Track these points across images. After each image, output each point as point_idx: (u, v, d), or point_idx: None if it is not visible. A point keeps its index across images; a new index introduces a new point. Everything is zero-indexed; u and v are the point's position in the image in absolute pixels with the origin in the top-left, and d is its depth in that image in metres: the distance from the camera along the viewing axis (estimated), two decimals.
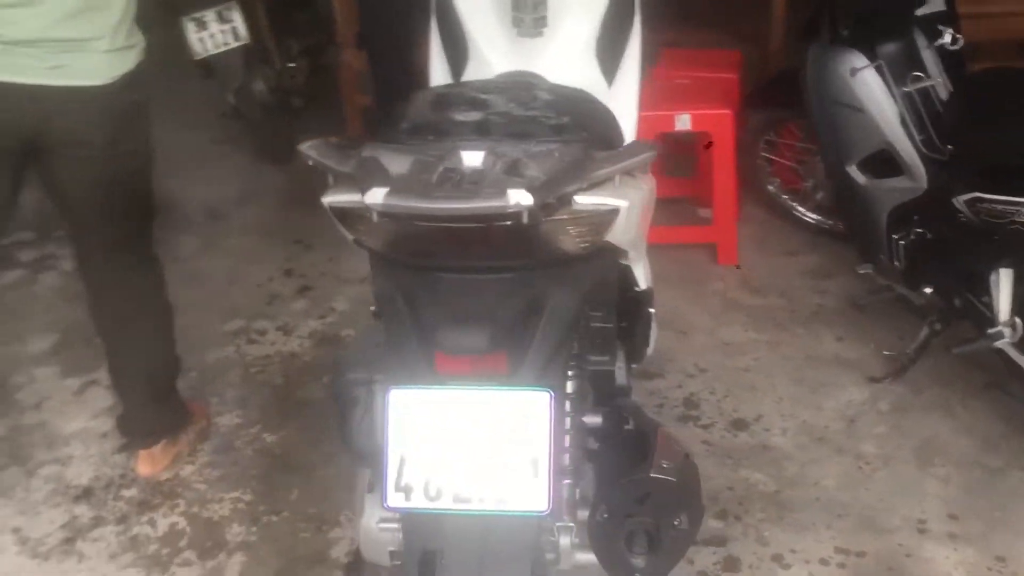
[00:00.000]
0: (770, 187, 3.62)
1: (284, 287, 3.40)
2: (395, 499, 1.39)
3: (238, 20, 3.99)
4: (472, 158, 1.32)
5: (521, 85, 1.76)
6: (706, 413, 2.72)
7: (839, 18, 2.77)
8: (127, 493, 2.48)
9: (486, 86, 1.73)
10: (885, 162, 2.76)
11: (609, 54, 2.61)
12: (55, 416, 2.78)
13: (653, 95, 3.39)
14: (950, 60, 2.73)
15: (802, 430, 2.65)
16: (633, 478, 1.56)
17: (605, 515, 1.53)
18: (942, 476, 2.47)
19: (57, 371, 2.96)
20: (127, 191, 2.27)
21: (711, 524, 2.33)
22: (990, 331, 2.33)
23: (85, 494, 2.48)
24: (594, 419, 1.84)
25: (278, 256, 3.59)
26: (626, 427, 1.84)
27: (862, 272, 2.89)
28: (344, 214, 1.35)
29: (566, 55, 2.54)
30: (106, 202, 2.24)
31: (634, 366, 2.19)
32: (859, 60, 2.73)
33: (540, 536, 1.44)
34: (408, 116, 1.50)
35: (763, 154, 3.54)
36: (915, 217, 2.68)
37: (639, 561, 1.50)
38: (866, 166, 2.81)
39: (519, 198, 1.19)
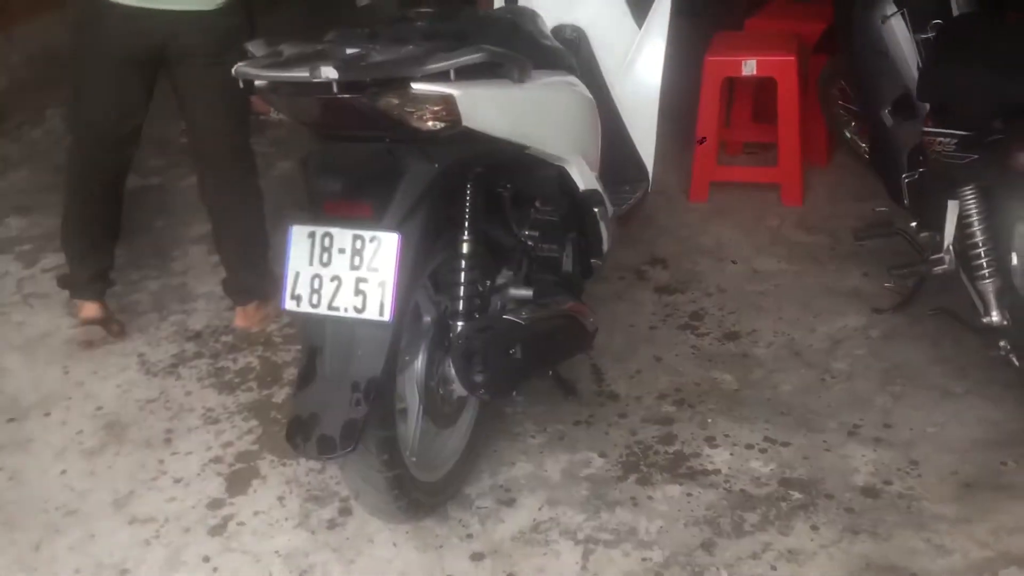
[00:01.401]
0: (847, 133, 3.77)
1: None
2: (290, 304, 1.91)
3: None
4: (349, 52, 1.80)
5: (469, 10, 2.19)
6: (706, 325, 3.04)
7: None
8: (224, 339, 3.17)
9: (439, 12, 2.17)
10: (911, 107, 2.92)
11: (638, 1, 2.96)
12: (193, 280, 3.53)
13: (731, 41, 3.70)
14: (986, 7, 2.84)
15: (785, 345, 2.91)
16: (486, 315, 1.99)
17: (460, 342, 1.98)
18: (896, 393, 2.66)
19: (204, 249, 3.71)
20: (227, 94, 2.90)
21: (665, 408, 2.68)
22: (932, 257, 2.50)
23: (195, 336, 3.20)
24: (523, 291, 2.28)
25: None
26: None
27: (878, 211, 3.06)
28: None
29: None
30: (210, 102, 2.89)
31: (595, 261, 2.59)
32: (889, 7, 2.90)
33: (392, 341, 1.90)
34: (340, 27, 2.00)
35: (840, 102, 3.71)
36: (920, 158, 2.84)
37: (478, 377, 1.95)
38: (896, 110, 2.98)
39: (327, 72, 1.66)
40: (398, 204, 1.87)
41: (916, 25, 2.81)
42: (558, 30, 3.00)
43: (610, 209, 2.58)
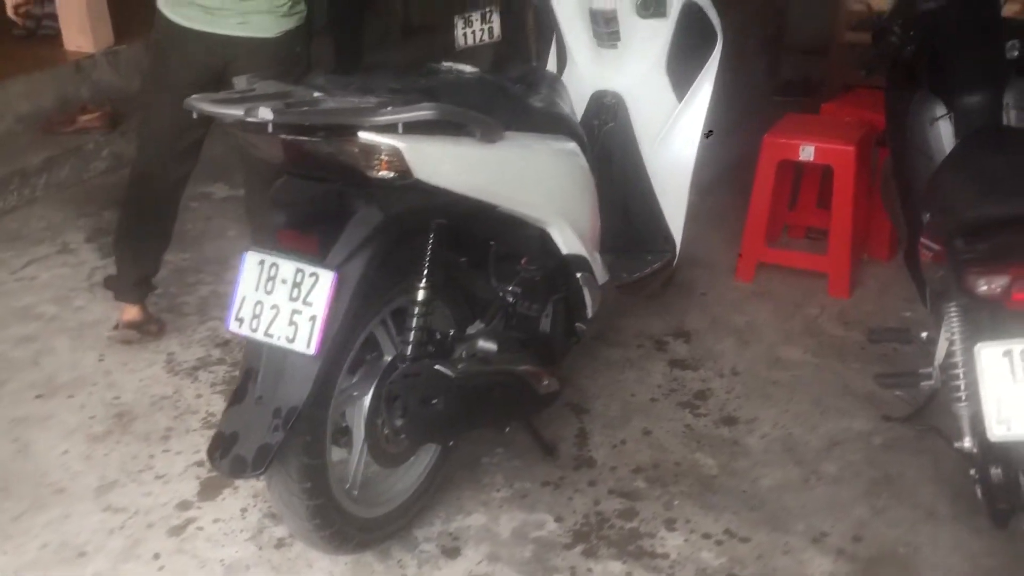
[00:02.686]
0: None
1: None
2: (233, 325, 2.01)
3: (496, 22, 4.83)
4: (315, 96, 1.91)
5: (454, 71, 2.26)
6: (708, 405, 2.98)
7: (927, 66, 2.85)
8: None
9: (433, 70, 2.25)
10: None
11: (680, 73, 2.99)
12: None
13: (796, 124, 3.64)
14: None
15: (781, 439, 2.82)
16: (418, 363, 2.05)
17: (389, 384, 2.04)
18: (878, 507, 2.55)
19: None
20: None
21: (636, 484, 2.65)
22: (921, 371, 2.38)
23: (224, 343, 3.36)
24: (488, 345, 2.33)
25: None
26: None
27: (903, 315, 2.94)
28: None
29: (637, 68, 2.99)
30: None
31: (580, 326, 2.60)
32: (939, 109, 2.79)
33: (319, 374, 1.97)
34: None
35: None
36: None
37: (397, 421, 1.99)
38: None
39: (263, 114, 1.75)
40: (342, 244, 1.94)
41: (960, 131, 2.70)
42: (599, 95, 3.05)
43: (600, 276, 2.58)
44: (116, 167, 4.92)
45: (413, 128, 1.89)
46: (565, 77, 3.13)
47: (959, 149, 2.40)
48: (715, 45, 3.00)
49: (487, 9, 4.71)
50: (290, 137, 1.83)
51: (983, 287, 1.88)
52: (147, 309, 3.37)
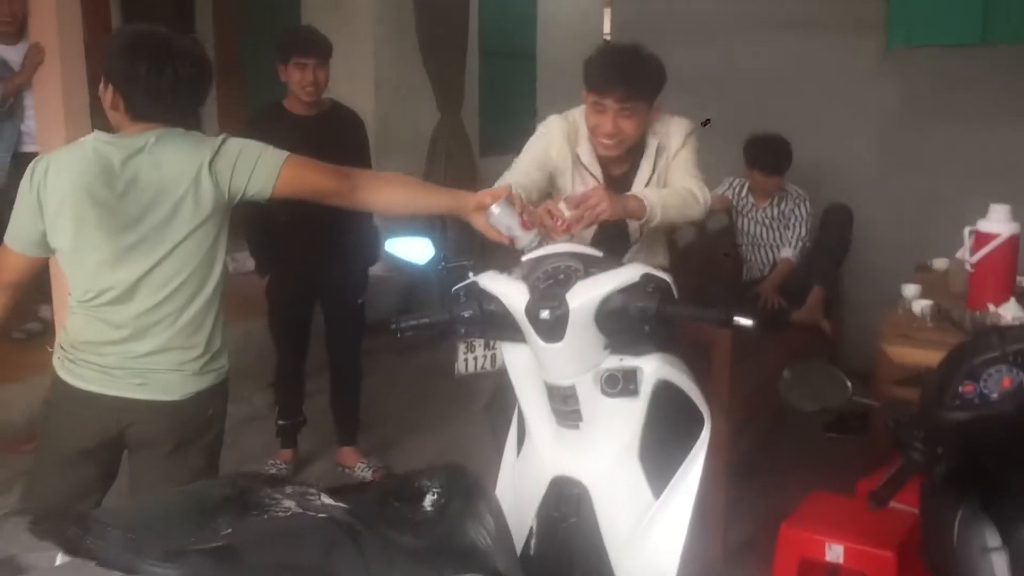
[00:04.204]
0: None
1: None
2: None
3: (499, 351, 4.40)
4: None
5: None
6: None
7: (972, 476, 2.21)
8: None
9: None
10: None
11: (658, 464, 2.43)
12: None
13: (824, 510, 2.97)
14: None
15: None
16: None
17: None
18: None
19: None
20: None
21: None
22: None
23: None
24: None
25: None
26: None
27: None
28: None
29: (604, 453, 2.44)
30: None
31: None
32: (992, 538, 2.13)
33: None
34: None
35: None
36: None
37: None
38: None
39: None
40: None
41: (1020, 571, 2.03)
42: (559, 483, 2.47)
43: None
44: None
45: None
46: (523, 457, 2.59)
47: None
48: (701, 429, 2.42)
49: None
50: None
51: None
52: None
